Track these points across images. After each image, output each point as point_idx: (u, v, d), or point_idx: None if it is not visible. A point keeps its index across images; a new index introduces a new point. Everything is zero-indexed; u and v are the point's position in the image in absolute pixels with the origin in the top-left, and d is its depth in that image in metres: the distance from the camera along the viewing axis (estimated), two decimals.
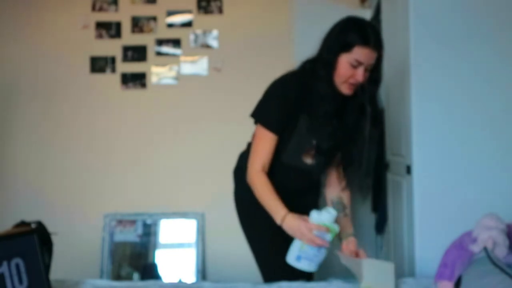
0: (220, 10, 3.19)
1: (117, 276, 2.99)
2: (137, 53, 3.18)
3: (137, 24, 3.19)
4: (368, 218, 2.87)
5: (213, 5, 3.18)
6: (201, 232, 3.07)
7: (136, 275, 3.00)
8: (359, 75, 1.57)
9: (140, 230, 3.06)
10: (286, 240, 1.61)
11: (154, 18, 3.18)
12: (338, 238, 1.67)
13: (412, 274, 1.93)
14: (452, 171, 1.89)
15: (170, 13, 3.19)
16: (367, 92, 1.63)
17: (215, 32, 3.18)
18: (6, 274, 1.24)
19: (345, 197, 1.81)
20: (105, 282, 1.63)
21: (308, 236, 1.53)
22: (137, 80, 3.18)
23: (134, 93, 3.17)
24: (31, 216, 1.65)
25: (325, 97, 1.61)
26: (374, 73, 1.62)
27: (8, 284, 1.24)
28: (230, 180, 1.91)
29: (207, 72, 3.17)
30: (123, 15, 3.19)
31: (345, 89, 1.62)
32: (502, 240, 1.32)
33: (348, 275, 1.61)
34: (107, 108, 3.17)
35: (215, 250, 3.08)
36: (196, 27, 3.18)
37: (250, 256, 1.81)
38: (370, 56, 1.57)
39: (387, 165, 2.41)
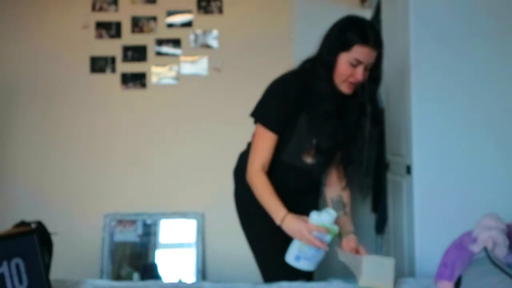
0: (220, 10, 3.19)
1: (117, 276, 2.99)
2: (137, 53, 3.18)
3: (137, 24, 3.19)
4: (368, 218, 2.87)
5: (213, 5, 3.18)
6: (201, 232, 3.07)
7: (136, 275, 3.00)
8: (359, 74, 1.57)
9: (140, 230, 3.06)
10: (286, 240, 1.61)
11: (154, 18, 3.18)
12: (338, 235, 1.67)
13: (412, 274, 1.93)
14: (452, 171, 1.89)
15: (170, 13, 3.19)
16: (367, 91, 1.63)
17: (215, 32, 3.18)
18: (6, 274, 1.24)
19: (345, 196, 1.82)
20: (105, 282, 1.63)
21: (308, 237, 1.53)
22: (137, 80, 3.18)
23: (134, 93, 3.17)
24: (31, 216, 1.65)
25: (325, 96, 1.61)
26: (374, 72, 1.62)
27: (8, 284, 1.24)
28: (230, 180, 1.91)
29: (207, 72, 3.17)
30: (123, 15, 3.19)
31: (345, 88, 1.62)
32: (502, 240, 1.32)
33: (348, 275, 1.61)
34: (107, 108, 3.17)
35: (215, 250, 3.08)
36: (196, 27, 3.18)
37: (250, 256, 1.81)
38: (369, 55, 1.56)
39: (387, 165, 2.41)
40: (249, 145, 1.80)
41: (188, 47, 3.18)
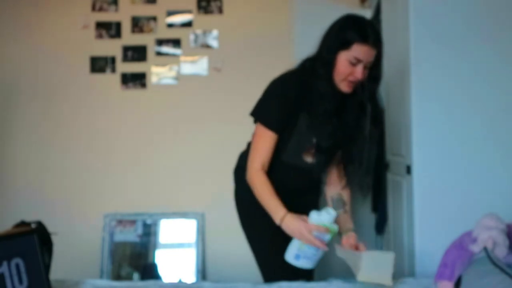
0: (220, 10, 3.19)
1: (117, 276, 2.99)
2: (137, 53, 3.18)
3: (137, 24, 3.19)
4: (368, 218, 2.87)
5: (213, 5, 3.18)
6: (201, 232, 3.07)
7: (136, 275, 3.00)
8: (358, 72, 1.57)
9: (140, 230, 3.06)
10: (286, 240, 1.61)
11: (154, 18, 3.18)
12: (338, 233, 1.67)
13: (412, 274, 1.93)
14: (452, 171, 1.89)
15: (170, 13, 3.19)
16: (367, 90, 1.63)
17: (215, 32, 3.18)
18: (6, 274, 1.24)
19: (345, 194, 1.82)
20: (105, 282, 1.63)
21: (307, 237, 1.53)
22: (137, 80, 3.18)
23: (134, 93, 3.17)
24: (31, 216, 1.65)
25: (325, 95, 1.61)
26: (374, 70, 1.62)
27: (8, 284, 1.24)
28: (230, 180, 1.91)
29: (207, 72, 3.17)
30: (123, 15, 3.19)
31: (344, 87, 1.62)
32: (502, 240, 1.32)
33: (348, 275, 1.61)
34: (107, 108, 3.17)
35: (215, 250, 3.08)
36: (196, 27, 3.18)
37: (250, 256, 1.81)
38: (369, 54, 1.56)
39: (387, 165, 2.41)
40: (249, 145, 1.80)
41: (188, 47, 3.18)
